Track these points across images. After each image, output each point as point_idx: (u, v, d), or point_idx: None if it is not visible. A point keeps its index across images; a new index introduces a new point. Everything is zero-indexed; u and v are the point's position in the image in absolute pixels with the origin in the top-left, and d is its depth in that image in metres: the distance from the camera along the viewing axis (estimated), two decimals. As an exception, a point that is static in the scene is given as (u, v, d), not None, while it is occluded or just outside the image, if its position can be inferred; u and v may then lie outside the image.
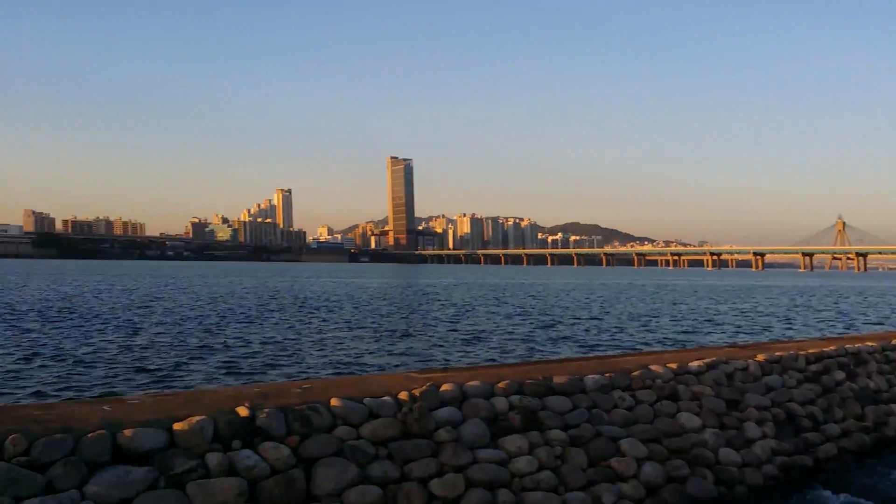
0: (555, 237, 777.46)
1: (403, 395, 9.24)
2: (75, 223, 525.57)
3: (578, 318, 45.58)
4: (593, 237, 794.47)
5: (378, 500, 8.31)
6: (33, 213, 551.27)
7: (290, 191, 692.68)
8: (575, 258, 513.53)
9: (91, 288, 73.75)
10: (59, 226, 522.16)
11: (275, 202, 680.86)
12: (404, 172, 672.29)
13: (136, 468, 7.15)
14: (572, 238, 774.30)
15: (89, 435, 7.19)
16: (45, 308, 45.24)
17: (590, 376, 11.22)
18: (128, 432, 7.37)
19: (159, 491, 7.13)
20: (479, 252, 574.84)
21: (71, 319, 37.62)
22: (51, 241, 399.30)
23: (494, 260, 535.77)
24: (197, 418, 7.77)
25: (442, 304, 57.29)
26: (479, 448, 9.36)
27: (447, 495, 8.73)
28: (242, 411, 8.14)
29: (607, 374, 11.42)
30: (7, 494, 6.50)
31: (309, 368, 22.43)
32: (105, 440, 7.21)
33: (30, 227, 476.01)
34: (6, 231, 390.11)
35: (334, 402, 8.74)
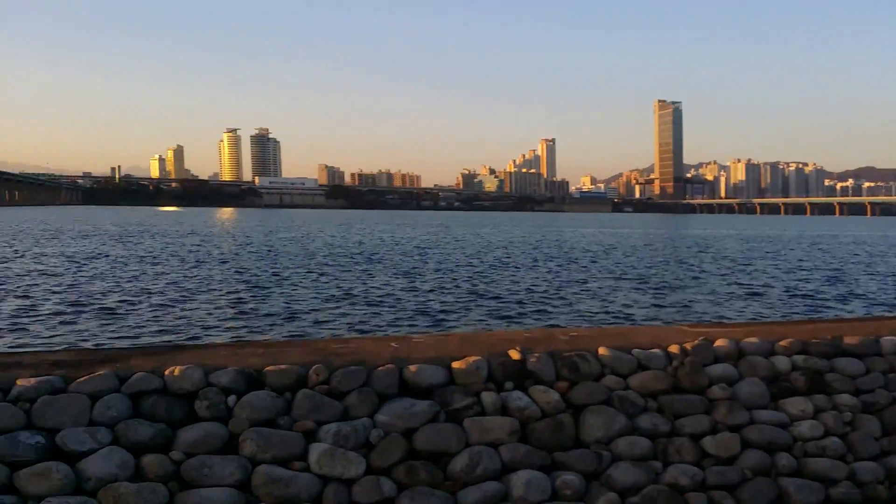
0: (844, 184, 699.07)
1: (674, 349, 9.00)
2: (361, 176, 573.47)
3: (874, 273, 40.93)
4: (892, 184, 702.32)
5: (647, 452, 8.25)
6: (326, 167, 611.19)
7: (553, 140, 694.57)
8: (869, 207, 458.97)
9: (376, 236, 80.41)
10: (347, 179, 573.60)
11: (539, 152, 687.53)
12: (672, 116, 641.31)
13: (419, 401, 7.75)
14: (866, 185, 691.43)
15: (380, 368, 7.91)
16: (338, 254, 50.26)
17: (888, 338, 10.07)
18: (413, 368, 7.99)
19: (439, 423, 7.68)
20: (755, 201, 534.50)
21: (358, 264, 41.44)
22: (340, 193, 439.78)
23: (773, 209, 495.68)
24: (473, 359, 8.22)
25: (713, 256, 54.47)
26: (757, 409, 8.88)
27: (721, 454, 8.43)
28: (514, 354, 8.46)
29: (910, 337, 10.17)
30: (310, 418, 7.38)
31: (575, 317, 22.67)
32: (393, 374, 7.89)
33: (323, 181, 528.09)
34: (303, 184, 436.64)
35: (602, 351, 8.76)
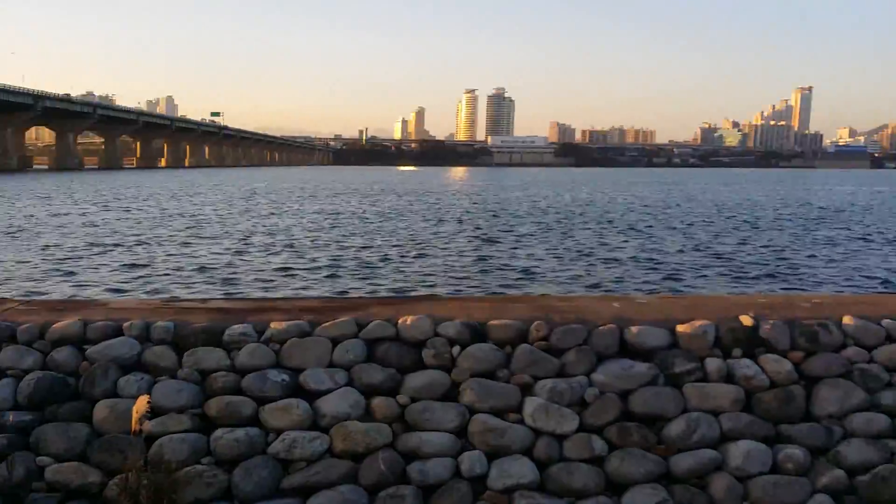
0: None
1: (934, 321, 7.99)
2: (592, 133, 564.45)
3: None
4: None
5: (885, 430, 7.46)
6: (558, 124, 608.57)
7: (810, 89, 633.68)
8: None
9: (608, 195, 79.04)
10: (578, 136, 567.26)
11: (791, 102, 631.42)
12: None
13: (638, 363, 7.59)
14: None
15: (600, 328, 7.82)
16: (568, 213, 50.11)
17: None
18: (634, 329, 7.82)
19: (658, 387, 7.48)
20: None
21: (585, 223, 41.05)
22: (569, 151, 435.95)
23: None
24: (699, 322, 7.88)
25: None
26: None
27: (977, 438, 7.42)
28: (746, 320, 7.99)
29: None
30: (527, 372, 7.49)
31: (817, 282, 20.83)
32: (614, 334, 7.77)
33: (554, 138, 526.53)
34: (533, 142, 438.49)
35: (847, 319, 7.99)
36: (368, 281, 20.29)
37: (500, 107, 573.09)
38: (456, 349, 7.58)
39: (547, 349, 7.66)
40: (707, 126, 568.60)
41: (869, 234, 35.05)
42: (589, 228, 37.32)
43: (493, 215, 46.56)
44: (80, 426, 7.00)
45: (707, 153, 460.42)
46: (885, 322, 8.02)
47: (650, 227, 38.47)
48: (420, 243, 29.88)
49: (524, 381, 7.48)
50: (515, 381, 7.47)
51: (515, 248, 28.10)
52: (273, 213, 45.97)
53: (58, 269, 22.22)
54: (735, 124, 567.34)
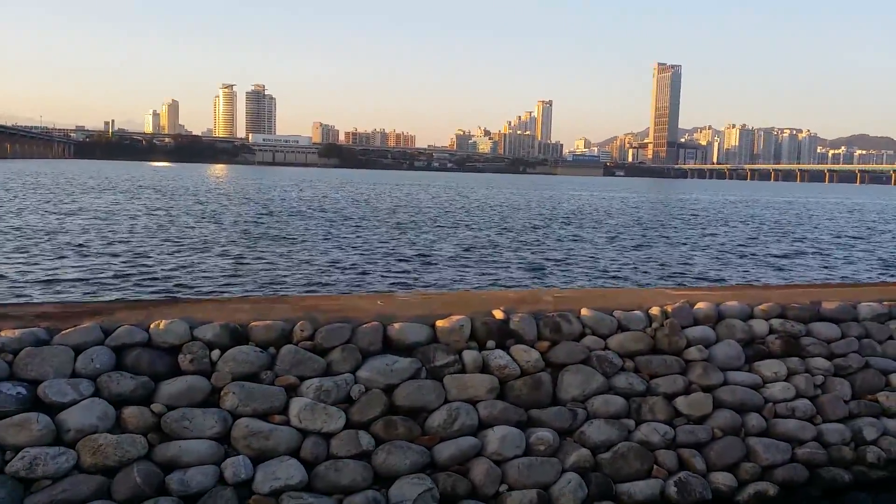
0: (837, 151, 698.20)
1: (655, 311, 9.13)
2: (355, 135, 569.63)
3: (857, 238, 41.20)
4: (884, 152, 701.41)
5: (622, 411, 8.43)
6: (321, 125, 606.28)
7: (550, 102, 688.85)
8: (858, 175, 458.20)
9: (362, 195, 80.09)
10: (341, 137, 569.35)
11: (535, 114, 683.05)
12: (671, 80, 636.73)
13: (401, 358, 7.86)
14: (857, 153, 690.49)
15: (364, 325, 8.00)
16: (329, 214, 50.11)
17: (865, 304, 10.23)
18: (396, 325, 8.08)
19: (420, 380, 7.81)
20: (747, 167, 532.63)
21: (348, 224, 41.40)
22: (334, 152, 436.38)
23: (763, 176, 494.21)
24: (456, 317, 8.32)
25: (700, 222, 54.63)
26: (732, 370, 9.06)
27: (692, 413, 8.62)
28: (498, 314, 8.57)
29: (885, 303, 10.33)
30: (293, 373, 7.48)
31: (566, 279, 22.84)
32: (377, 331, 7.97)
33: (317, 139, 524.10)
34: (297, 142, 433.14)
35: (584, 312, 8.88)
36: (115, 284, 18.85)
37: (261, 104, 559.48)
38: (215, 353, 7.36)
39: (312, 349, 7.68)
40: (462, 133, 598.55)
41: (601, 236, 39.02)
42: (351, 229, 37.72)
43: (267, 214, 45.58)
44: None
45: (463, 158, 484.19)
46: (616, 313, 9.03)
47: (411, 228, 39.73)
48: (177, 243, 28.35)
49: (289, 382, 7.44)
50: (280, 383, 7.41)
51: (279, 249, 27.65)
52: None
53: None
54: (486, 132, 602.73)
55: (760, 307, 9.71)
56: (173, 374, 7.20)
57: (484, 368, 8.12)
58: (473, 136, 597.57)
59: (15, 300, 15.39)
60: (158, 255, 25.03)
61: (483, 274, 23.28)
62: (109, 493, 6.52)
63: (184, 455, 6.80)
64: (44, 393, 6.66)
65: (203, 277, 20.51)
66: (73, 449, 6.54)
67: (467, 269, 24.10)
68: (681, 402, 8.65)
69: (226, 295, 17.44)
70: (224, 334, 7.45)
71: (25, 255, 23.83)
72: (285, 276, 21.40)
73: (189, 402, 7.04)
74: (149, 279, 19.87)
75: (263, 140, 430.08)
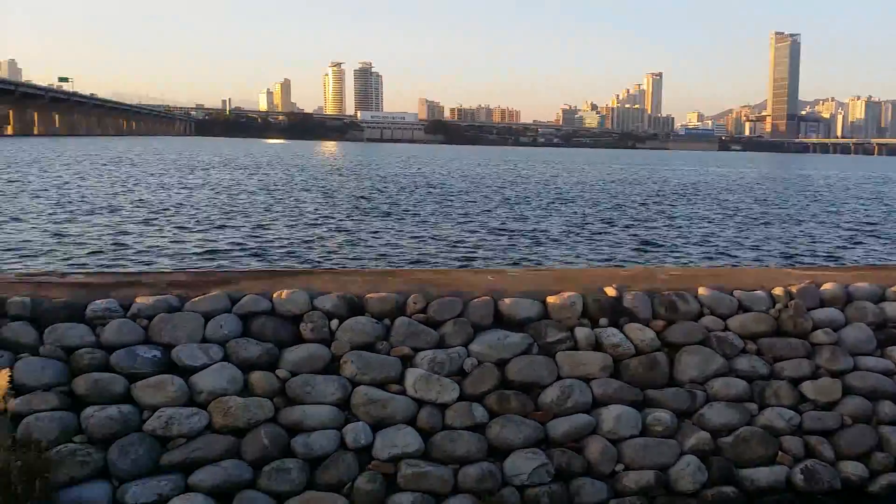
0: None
1: (778, 291, 8.74)
2: (461, 111, 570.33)
3: None
4: None
5: (743, 394, 8.15)
6: (426, 101, 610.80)
7: (660, 74, 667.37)
8: None
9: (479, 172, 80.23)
10: (447, 114, 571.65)
11: (644, 87, 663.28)
12: (789, 50, 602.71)
13: (513, 333, 7.88)
14: None
15: (475, 300, 8.06)
16: (443, 190, 50.59)
17: None
18: (507, 301, 8.10)
19: (532, 356, 7.81)
20: (874, 141, 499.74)
21: (461, 200, 41.61)
22: (440, 128, 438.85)
23: (892, 151, 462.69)
24: (568, 294, 8.25)
25: (825, 198, 51.78)
26: (862, 355, 8.58)
27: (820, 399, 8.23)
28: (610, 291, 8.43)
29: None
30: (407, 344, 7.62)
31: (679, 256, 22.23)
32: (489, 306, 8.01)
33: (423, 115, 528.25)
34: (403, 118, 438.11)
35: (702, 291, 8.61)
36: (241, 255, 19.76)
37: (368, 81, 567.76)
38: (334, 322, 7.58)
39: (425, 321, 7.80)
40: (568, 108, 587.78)
41: (720, 212, 37.63)
42: (467, 203, 37.93)
43: (377, 189, 46.60)
44: (-67, 409, 6.48)
45: (569, 134, 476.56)
46: (737, 293, 8.70)
47: (519, 205, 39.56)
48: (293, 216, 29.38)
49: (404, 353, 7.59)
50: (395, 353, 7.57)
51: (395, 223, 28.17)
52: (140, 186, 43.70)
53: None
54: (593, 106, 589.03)
55: (893, 288, 9.14)
56: (295, 341, 7.48)
57: (597, 346, 8.02)
58: (580, 110, 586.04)
59: (147, 269, 16.37)
60: (277, 228, 26.03)
61: (593, 250, 22.97)
62: (239, 453, 6.88)
63: (307, 419, 7.08)
64: (177, 356, 7.07)
65: (318, 250, 21.18)
66: (205, 410, 6.92)
67: (577, 246, 23.84)
68: (807, 388, 8.27)
69: (339, 267, 17.95)
70: (342, 305, 7.67)
71: (155, 226, 25.28)
72: (395, 250, 21.81)
73: (311, 369, 7.31)
74: (269, 251, 20.71)
75: (371, 117, 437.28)
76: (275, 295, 7.66)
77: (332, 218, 29.87)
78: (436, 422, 7.35)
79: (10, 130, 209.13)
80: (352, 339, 7.50)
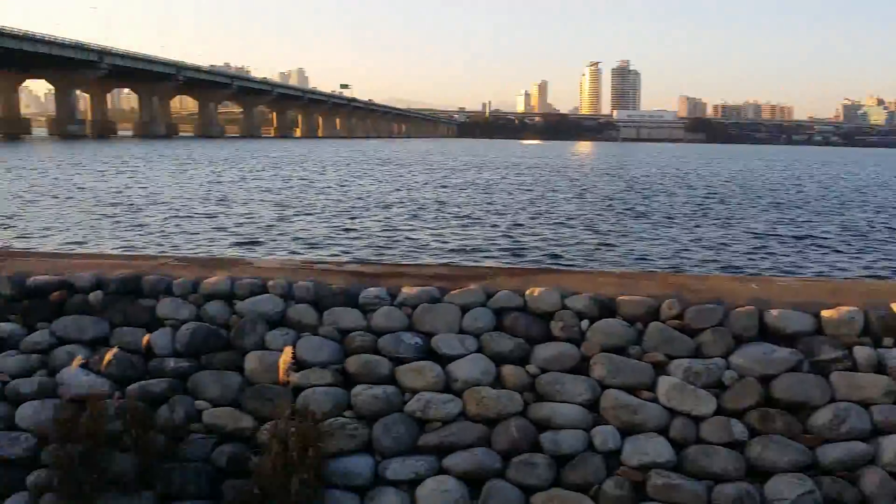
0: None
1: None
2: (724, 108, 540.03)
3: None
4: None
5: None
6: (687, 98, 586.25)
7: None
8: None
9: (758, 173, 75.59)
10: (709, 111, 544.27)
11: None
12: None
13: (780, 348, 7.29)
14: None
15: (738, 309, 7.57)
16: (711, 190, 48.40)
17: None
18: (775, 312, 7.51)
19: (801, 374, 7.17)
20: None
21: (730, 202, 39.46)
22: (700, 126, 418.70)
23: None
24: (847, 308, 7.47)
25: None
26: None
27: None
28: (897, 308, 7.51)
29: None
30: (660, 351, 7.34)
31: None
32: (752, 316, 7.48)
33: (683, 113, 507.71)
34: (662, 117, 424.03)
35: None
36: (496, 252, 20.43)
37: (625, 80, 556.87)
38: (584, 323, 7.55)
39: (681, 328, 7.49)
40: (849, 102, 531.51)
41: None
42: (730, 206, 35.92)
43: (628, 190, 45.81)
44: (232, 374, 7.49)
45: (851, 131, 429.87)
46: None
47: (800, 207, 36.57)
48: (550, 216, 29.78)
49: (657, 360, 7.35)
50: (648, 359, 7.36)
51: (649, 226, 27.48)
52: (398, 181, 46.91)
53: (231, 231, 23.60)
54: (880, 101, 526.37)
55: None
56: (546, 339, 7.56)
57: (879, 369, 7.17)
58: (864, 105, 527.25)
59: (411, 261, 17.50)
60: (532, 226, 26.56)
61: (876, 262, 20.57)
62: (489, 442, 7.11)
63: (556, 417, 7.13)
64: (436, 345, 7.48)
65: (571, 250, 21.24)
66: (459, 397, 7.25)
67: (858, 256, 21.50)
68: None
69: (591, 267, 17.84)
70: (593, 306, 7.61)
71: (420, 222, 26.93)
72: (650, 253, 21.21)
73: (560, 368, 7.35)
74: (524, 249, 21.19)
75: (628, 116, 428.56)
76: (527, 292, 7.80)
77: (586, 218, 29.77)
78: (689, 434, 7.03)
79: (298, 133, 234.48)
80: (602, 340, 7.42)
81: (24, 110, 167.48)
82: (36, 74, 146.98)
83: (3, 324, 7.84)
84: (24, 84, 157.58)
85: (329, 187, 42.45)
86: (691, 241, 23.83)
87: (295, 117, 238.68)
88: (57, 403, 7.27)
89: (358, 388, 7.30)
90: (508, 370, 7.35)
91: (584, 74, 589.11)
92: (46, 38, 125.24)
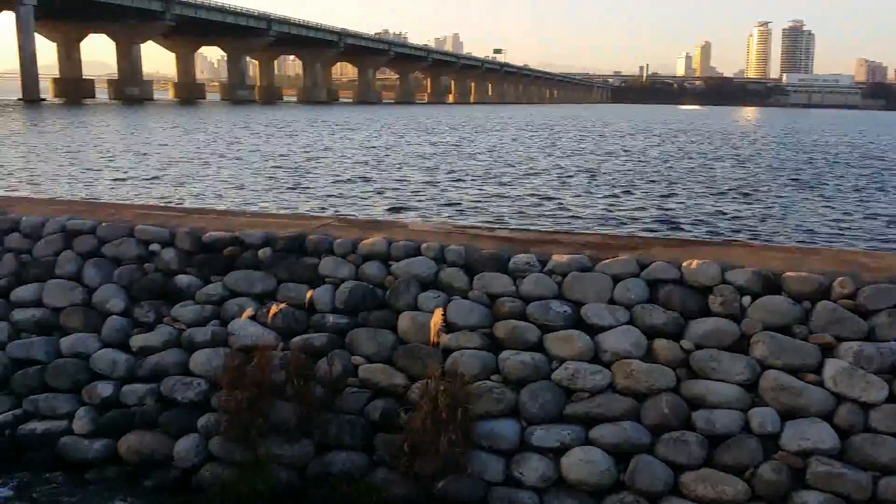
0: None
1: None
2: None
3: None
4: None
5: None
6: (866, 62, 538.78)
7: None
8: None
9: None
10: (890, 75, 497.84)
11: None
12: None
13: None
14: None
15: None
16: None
17: None
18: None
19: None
20: None
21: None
22: (881, 92, 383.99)
23: None
24: None
25: None
26: None
27: None
28: None
29: None
30: (829, 332, 6.88)
31: None
32: (936, 298, 6.88)
33: (861, 78, 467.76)
34: (836, 81, 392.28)
35: None
36: (649, 221, 19.83)
37: (797, 41, 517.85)
38: (746, 299, 7.20)
39: (853, 308, 6.99)
40: None
41: None
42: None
43: (796, 159, 43.00)
44: (386, 333, 7.78)
45: None
46: None
47: None
48: (708, 186, 28.49)
49: (825, 341, 6.91)
50: (814, 340, 6.93)
51: (818, 198, 25.68)
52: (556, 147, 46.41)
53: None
54: None
55: None
56: (702, 314, 7.29)
57: None
58: None
59: (567, 228, 17.30)
60: (688, 196, 25.53)
61: None
62: (638, 417, 6.98)
63: (710, 395, 6.89)
64: (586, 314, 7.40)
65: (730, 221, 20.25)
66: (608, 369, 7.16)
67: None
68: None
69: (754, 241, 16.94)
70: (756, 281, 7.24)
71: (569, 189, 26.58)
72: (819, 226, 19.82)
73: (717, 344, 7.08)
74: (679, 219, 20.43)
75: (799, 80, 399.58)
76: (684, 264, 7.54)
77: (749, 188, 28.20)
78: (857, 421, 6.58)
79: (450, 98, 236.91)
80: (765, 318, 7.06)
81: (199, 76, 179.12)
82: (210, 42, 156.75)
83: (181, 276, 8.54)
84: (199, 51, 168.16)
85: (480, 153, 42.67)
86: (866, 216, 22.03)
87: (448, 83, 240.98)
88: (227, 352, 7.83)
89: (506, 353, 7.36)
90: (661, 344, 7.17)
91: (751, 35, 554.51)
92: (220, 7, 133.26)
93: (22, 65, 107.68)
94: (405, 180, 28.31)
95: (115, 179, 26.47)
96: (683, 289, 7.41)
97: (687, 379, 7.05)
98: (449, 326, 7.55)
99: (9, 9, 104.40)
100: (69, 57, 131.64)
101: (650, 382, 7.00)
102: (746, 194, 26.33)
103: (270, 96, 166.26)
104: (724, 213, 21.62)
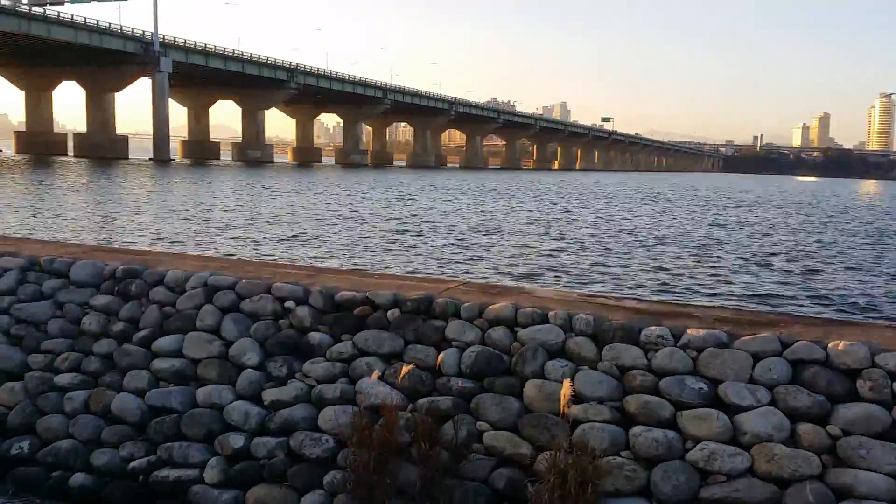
0: None
1: None
2: None
3: None
4: None
5: None
6: None
7: None
8: None
9: None
10: None
11: None
12: None
13: None
14: None
15: None
16: None
17: None
18: None
19: None
20: None
21: None
22: None
23: None
24: None
25: None
26: None
27: None
28: None
29: None
30: None
31: None
32: None
33: None
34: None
35: None
36: (785, 297, 18.94)
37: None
38: (896, 384, 6.74)
39: None
40: None
41: None
42: None
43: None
44: (511, 400, 7.67)
45: None
46: None
47: None
48: (847, 261, 27.17)
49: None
50: (973, 433, 6.40)
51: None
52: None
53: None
54: None
55: None
56: (850, 398, 6.88)
57: None
58: None
59: (688, 302, 16.82)
60: (821, 270, 24.45)
61: None
62: (779, 504, 6.58)
63: (859, 485, 6.43)
64: (724, 393, 7.08)
65: (877, 300, 19.12)
66: (747, 452, 6.79)
67: None
68: None
69: None
70: (905, 365, 6.79)
71: (694, 261, 25.88)
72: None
73: (866, 431, 6.64)
74: (817, 296, 19.47)
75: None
76: (830, 345, 7.16)
77: (891, 264, 26.75)
78: None
79: (556, 165, 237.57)
80: (920, 406, 6.59)
81: (315, 140, 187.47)
82: (329, 109, 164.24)
83: (314, 333, 8.78)
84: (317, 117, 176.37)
85: (585, 220, 42.38)
86: None
87: (554, 150, 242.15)
88: (354, 409, 7.93)
89: (637, 429, 7.12)
90: (806, 428, 6.77)
91: (873, 106, 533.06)
92: (341, 77, 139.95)
93: (155, 127, 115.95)
94: (523, 245, 28.39)
95: (240, 237, 27.81)
96: (829, 371, 7.03)
97: (833, 466, 6.61)
98: (577, 397, 7.40)
99: (147, 76, 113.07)
100: (198, 121, 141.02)
101: (794, 468, 6.60)
102: (889, 271, 24.95)
103: (381, 160, 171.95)
104: (867, 291, 20.47)
